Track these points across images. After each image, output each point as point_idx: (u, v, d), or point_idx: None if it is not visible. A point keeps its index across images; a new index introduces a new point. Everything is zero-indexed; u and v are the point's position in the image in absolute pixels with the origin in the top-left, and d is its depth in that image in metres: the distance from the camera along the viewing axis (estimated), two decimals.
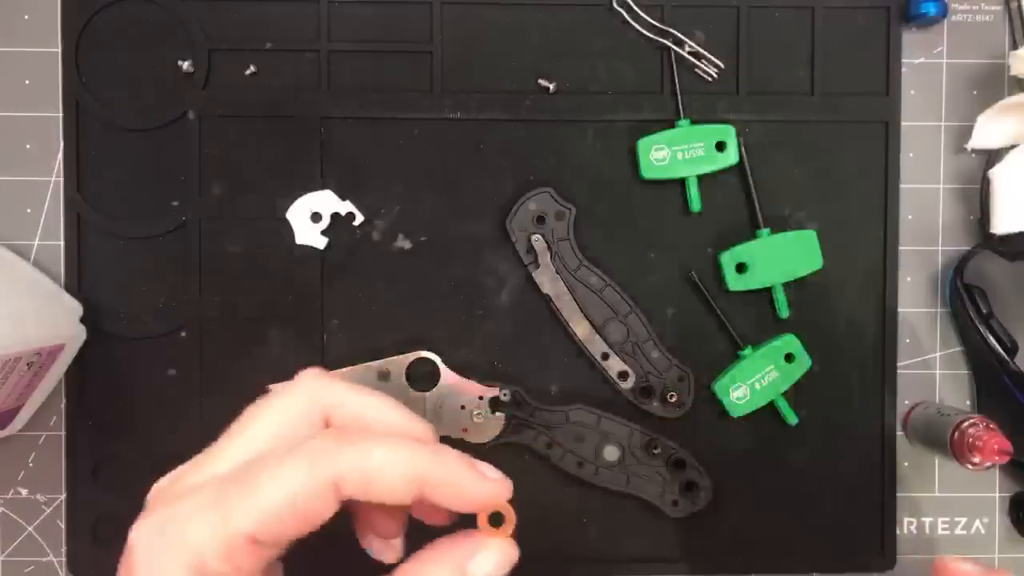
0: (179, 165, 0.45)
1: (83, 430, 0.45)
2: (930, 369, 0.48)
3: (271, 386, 0.33)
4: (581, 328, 0.45)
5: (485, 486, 0.29)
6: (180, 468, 0.31)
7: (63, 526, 0.46)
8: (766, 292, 0.46)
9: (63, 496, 0.46)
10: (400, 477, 0.28)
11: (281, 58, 0.45)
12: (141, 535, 0.28)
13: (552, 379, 0.46)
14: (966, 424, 0.42)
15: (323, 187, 0.45)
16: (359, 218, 0.45)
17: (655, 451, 0.45)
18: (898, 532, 0.48)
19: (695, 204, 0.46)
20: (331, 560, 0.38)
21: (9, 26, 0.45)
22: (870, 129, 0.47)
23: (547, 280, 0.45)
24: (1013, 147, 0.47)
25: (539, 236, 0.45)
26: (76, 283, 0.45)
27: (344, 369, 0.44)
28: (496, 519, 0.29)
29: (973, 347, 0.47)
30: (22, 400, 0.43)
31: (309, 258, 0.46)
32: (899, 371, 0.47)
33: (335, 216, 0.45)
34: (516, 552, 0.29)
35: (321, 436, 0.28)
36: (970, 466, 0.42)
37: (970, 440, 0.42)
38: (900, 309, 0.47)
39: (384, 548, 0.33)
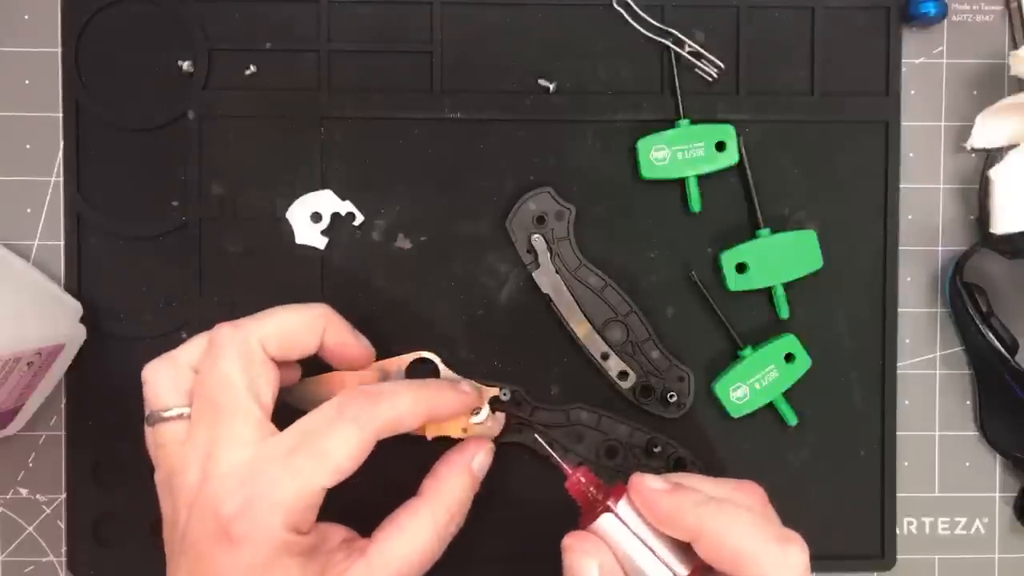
0: (179, 165, 0.45)
1: (83, 430, 0.45)
2: (930, 369, 0.48)
3: (168, 353, 0.38)
4: (581, 328, 0.45)
5: (470, 399, 0.41)
6: (197, 464, 0.35)
7: (63, 526, 0.46)
8: (766, 292, 0.46)
9: (63, 496, 0.46)
10: (417, 417, 0.37)
11: (281, 58, 0.45)
12: (239, 519, 0.34)
13: (552, 379, 0.46)
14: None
15: (323, 187, 0.45)
16: (359, 218, 0.45)
17: (655, 450, 0.45)
18: (898, 532, 0.48)
19: (695, 204, 0.46)
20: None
21: (9, 26, 0.45)
22: (870, 129, 0.47)
23: (547, 280, 0.45)
24: (1013, 147, 0.47)
25: (539, 236, 0.45)
26: (76, 283, 0.45)
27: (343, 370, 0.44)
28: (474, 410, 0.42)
29: (974, 346, 0.47)
30: (22, 400, 0.43)
31: (309, 258, 0.46)
32: (899, 371, 0.47)
33: (335, 216, 0.45)
34: (493, 446, 0.41)
35: (356, 398, 0.36)
36: None
37: None
38: (900, 309, 0.47)
39: None
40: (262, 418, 0.36)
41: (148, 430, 0.38)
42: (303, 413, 0.37)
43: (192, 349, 0.38)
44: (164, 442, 0.37)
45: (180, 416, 0.37)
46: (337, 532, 0.37)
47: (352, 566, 0.35)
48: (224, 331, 0.37)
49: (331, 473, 0.34)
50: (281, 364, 0.38)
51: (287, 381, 0.40)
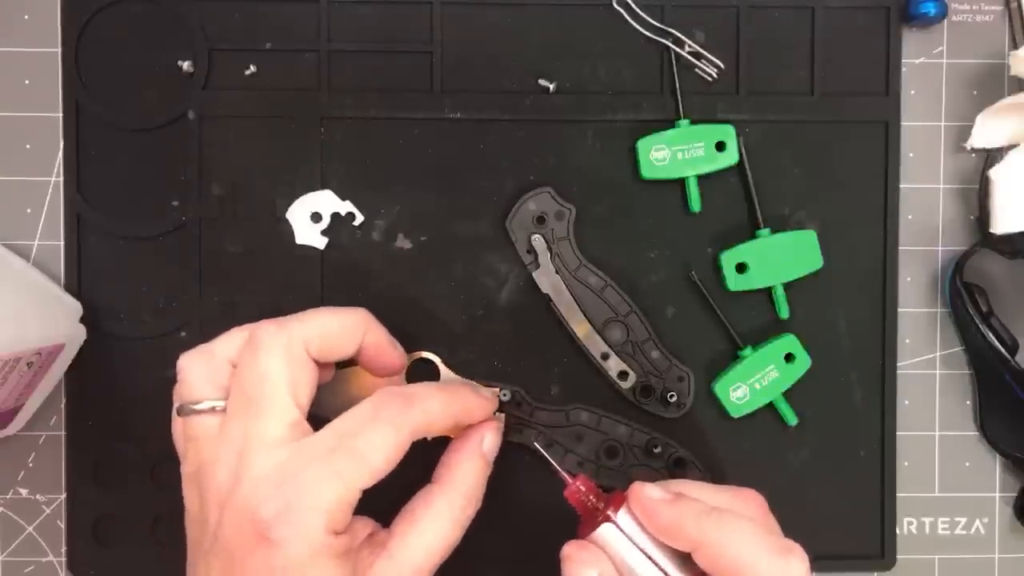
0: (179, 165, 0.45)
1: (83, 430, 0.45)
2: (930, 369, 0.48)
3: (205, 345, 0.38)
4: (581, 328, 0.45)
5: (491, 405, 0.41)
6: (228, 462, 0.35)
7: (63, 526, 0.46)
8: (766, 292, 0.46)
9: (63, 496, 0.46)
10: (448, 419, 0.38)
11: (281, 58, 0.45)
12: (279, 522, 0.33)
13: (552, 379, 0.46)
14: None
15: (323, 187, 0.45)
16: (359, 218, 0.45)
17: (655, 450, 0.45)
18: (898, 532, 0.48)
19: (695, 204, 0.46)
20: None
21: (9, 26, 0.45)
22: (870, 129, 0.47)
23: (547, 280, 0.45)
24: (1013, 147, 0.47)
25: (539, 236, 0.45)
26: (76, 283, 0.45)
27: (343, 370, 0.44)
28: None
29: (973, 346, 0.47)
30: (22, 400, 0.43)
31: (309, 258, 0.46)
32: (899, 371, 0.47)
33: (335, 216, 0.45)
34: (502, 426, 0.41)
35: (391, 399, 0.36)
36: None
37: None
38: (900, 309, 0.47)
39: None
40: (299, 418, 0.36)
41: (178, 421, 0.37)
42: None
43: (230, 342, 0.37)
44: (195, 435, 0.36)
45: (213, 409, 0.36)
46: (364, 527, 0.37)
47: (376, 562, 0.35)
48: (268, 328, 0.37)
49: (370, 474, 0.34)
50: (318, 365, 0.38)
51: (322, 381, 0.40)
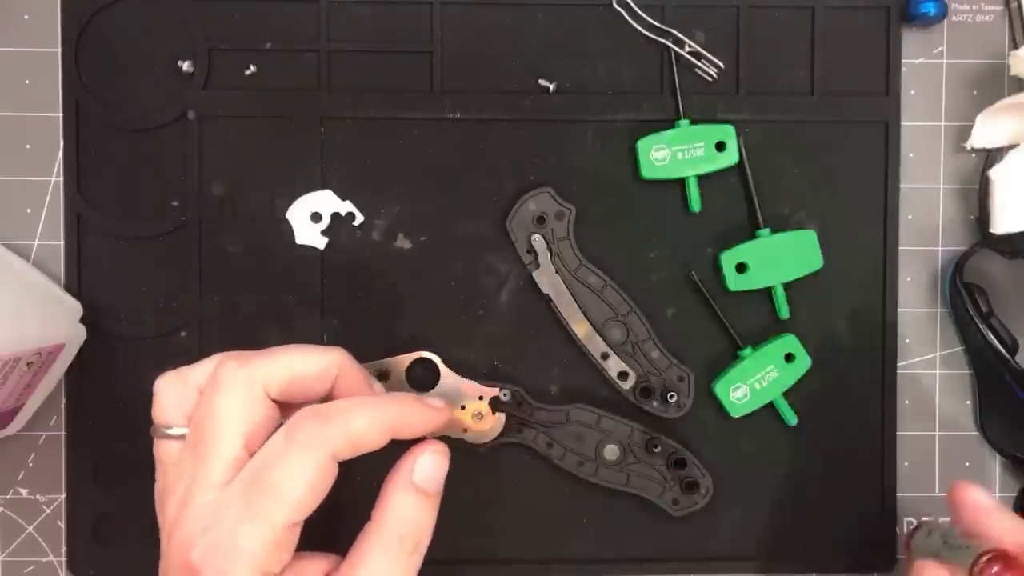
0: (179, 165, 0.45)
1: (83, 430, 0.45)
2: (930, 369, 0.48)
3: (182, 369, 0.36)
4: (581, 328, 0.45)
5: (440, 417, 0.36)
6: (179, 494, 0.34)
7: (63, 526, 0.46)
8: (766, 292, 0.46)
9: (63, 496, 0.46)
10: (379, 434, 0.34)
11: (281, 58, 0.46)
12: (206, 566, 0.32)
13: (552, 379, 0.46)
14: (984, 561, 0.36)
15: (323, 187, 0.45)
16: (359, 218, 0.45)
17: (655, 449, 0.45)
18: (898, 532, 0.48)
19: (695, 204, 0.46)
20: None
21: (9, 26, 0.46)
22: (870, 129, 0.47)
23: (547, 280, 0.45)
24: (1013, 147, 0.47)
25: (539, 236, 0.45)
26: (76, 283, 0.45)
27: None
28: None
29: (973, 346, 0.47)
30: (22, 400, 0.43)
31: (309, 258, 0.46)
32: (899, 371, 0.47)
33: (335, 216, 0.45)
34: (442, 447, 0.35)
35: (304, 421, 0.33)
36: None
37: None
38: (900, 309, 0.47)
39: None
40: (240, 457, 0.33)
41: (154, 440, 0.37)
42: None
43: (203, 370, 0.36)
44: (162, 459, 0.36)
45: (180, 436, 0.36)
46: (319, 565, 0.34)
47: None
48: (228, 366, 0.35)
49: (291, 508, 0.32)
50: (285, 405, 0.36)
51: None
